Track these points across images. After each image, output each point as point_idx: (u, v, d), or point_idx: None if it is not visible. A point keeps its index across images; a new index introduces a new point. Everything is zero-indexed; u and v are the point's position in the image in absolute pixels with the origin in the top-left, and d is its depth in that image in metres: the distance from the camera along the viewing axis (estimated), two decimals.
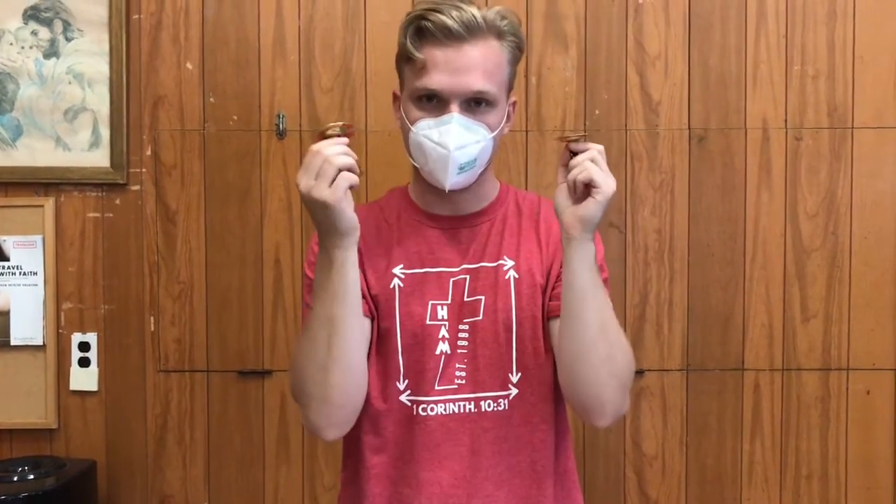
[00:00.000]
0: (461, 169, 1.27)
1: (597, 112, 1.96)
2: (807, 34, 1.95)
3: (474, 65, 1.26)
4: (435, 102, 1.28)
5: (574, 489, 1.38)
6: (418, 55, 1.26)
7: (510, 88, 1.35)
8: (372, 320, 1.32)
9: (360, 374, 1.26)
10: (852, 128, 1.96)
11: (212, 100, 1.98)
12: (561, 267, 1.27)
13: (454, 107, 1.26)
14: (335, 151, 1.14)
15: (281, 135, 1.97)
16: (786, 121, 1.96)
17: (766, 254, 1.97)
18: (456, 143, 1.25)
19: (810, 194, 1.97)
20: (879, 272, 1.97)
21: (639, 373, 1.95)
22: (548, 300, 1.33)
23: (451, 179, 1.28)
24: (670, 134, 1.96)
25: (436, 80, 1.26)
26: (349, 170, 1.15)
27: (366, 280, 1.32)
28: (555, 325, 1.31)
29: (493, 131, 1.29)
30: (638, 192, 1.97)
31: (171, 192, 1.98)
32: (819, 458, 1.98)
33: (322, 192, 1.13)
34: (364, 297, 1.29)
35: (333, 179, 1.13)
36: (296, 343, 1.31)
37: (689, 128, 1.96)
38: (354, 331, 1.23)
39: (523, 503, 1.30)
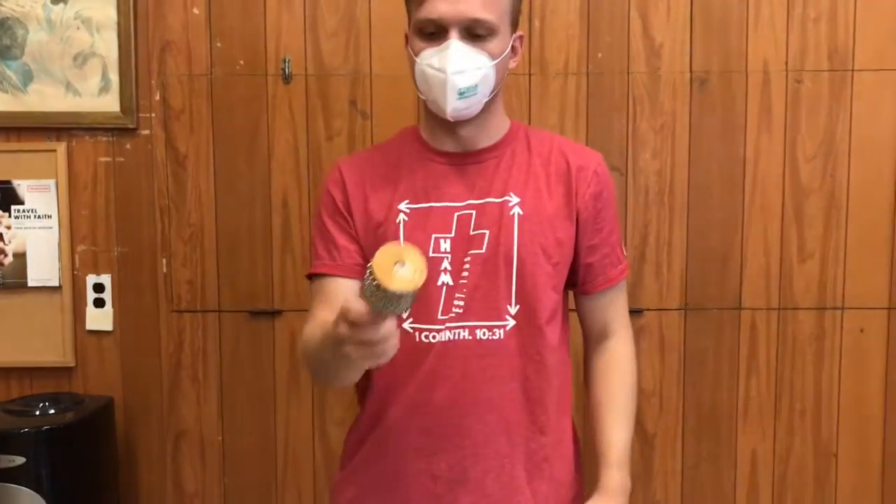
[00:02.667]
0: (461, 94, 1.31)
1: (599, 55, 1.98)
2: None
3: None
4: (437, 33, 1.32)
5: (564, 418, 1.44)
6: None
7: (515, 23, 1.38)
8: None
9: (359, 375, 1.30)
10: (853, 70, 1.98)
11: (218, 45, 2.00)
12: (588, 236, 1.41)
13: (453, 33, 1.30)
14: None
15: (287, 79, 2.00)
16: (786, 63, 1.98)
17: (765, 195, 2.00)
18: (454, 68, 1.29)
19: (809, 137, 1.99)
20: (876, 214, 2.00)
21: (638, 312, 2.01)
22: (579, 274, 1.44)
23: (452, 104, 1.32)
24: (672, 77, 1.98)
25: (435, 9, 1.30)
26: None
27: (370, 219, 1.36)
28: (583, 301, 1.47)
29: (493, 59, 1.33)
30: (639, 135, 1.99)
31: (180, 137, 2.02)
32: (812, 394, 2.04)
33: (374, 363, 1.10)
34: (357, 263, 1.35)
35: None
36: (311, 325, 1.34)
37: (690, 71, 1.98)
38: (354, 372, 1.26)
39: (513, 427, 1.36)
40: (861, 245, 2.01)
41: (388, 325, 1.05)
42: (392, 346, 1.07)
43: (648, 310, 2.02)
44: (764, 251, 2.01)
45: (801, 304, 2.02)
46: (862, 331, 2.03)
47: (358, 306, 1.03)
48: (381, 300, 1.01)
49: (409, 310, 1.07)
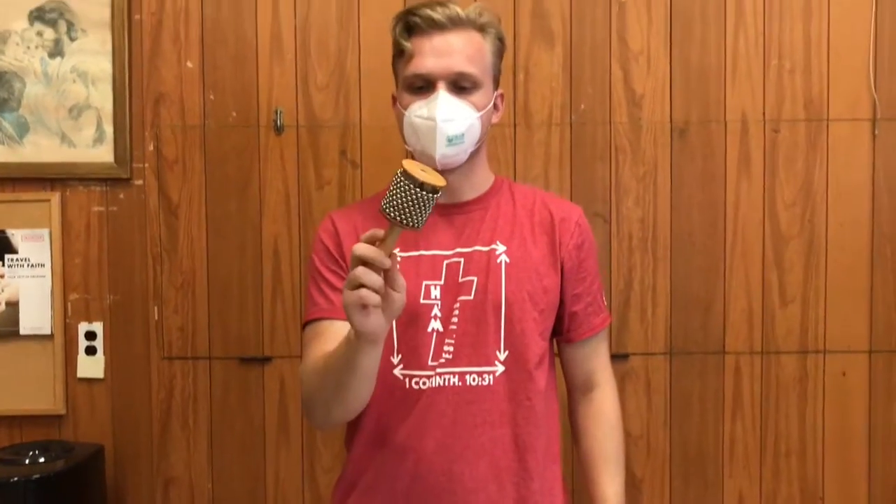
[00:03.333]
0: (450, 141, 1.37)
1: (582, 106, 2.04)
2: (783, 30, 2.03)
3: (457, 49, 1.39)
4: (425, 88, 1.39)
5: (554, 465, 1.46)
6: (407, 45, 1.40)
7: (496, 80, 1.46)
8: None
9: (361, 407, 1.35)
10: (828, 120, 2.04)
11: (212, 97, 2.05)
12: (572, 284, 1.45)
13: (441, 86, 1.38)
14: (402, 288, 1.15)
15: (279, 130, 2.04)
16: (764, 113, 2.04)
17: (746, 241, 2.05)
18: (443, 115, 1.36)
19: (788, 184, 2.05)
20: (854, 259, 2.05)
21: (623, 356, 2.04)
22: (564, 323, 1.48)
23: (441, 150, 1.37)
24: (653, 127, 2.04)
25: (423, 64, 1.38)
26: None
27: None
28: (567, 350, 1.51)
29: (478, 111, 1.40)
30: (622, 183, 2.04)
31: (172, 186, 2.05)
32: (797, 437, 2.06)
33: (380, 322, 1.15)
34: None
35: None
36: (311, 354, 1.37)
37: (670, 121, 2.04)
38: (362, 392, 1.30)
39: (503, 474, 1.38)
40: (841, 289, 2.05)
41: (397, 272, 1.12)
42: (400, 296, 1.13)
43: (634, 354, 2.05)
44: (746, 296, 2.05)
45: (784, 348, 2.05)
46: (844, 374, 2.06)
47: (376, 231, 1.12)
48: (407, 198, 1.10)
49: (423, 223, 1.12)
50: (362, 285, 1.11)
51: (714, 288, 2.05)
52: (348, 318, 1.15)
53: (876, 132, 2.03)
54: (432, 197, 1.11)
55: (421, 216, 1.11)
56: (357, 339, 1.18)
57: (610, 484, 1.46)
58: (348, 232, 1.44)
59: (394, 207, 1.11)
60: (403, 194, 1.10)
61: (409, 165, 1.12)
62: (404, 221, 1.11)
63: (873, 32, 2.02)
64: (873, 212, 2.04)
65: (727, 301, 2.05)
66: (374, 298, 1.11)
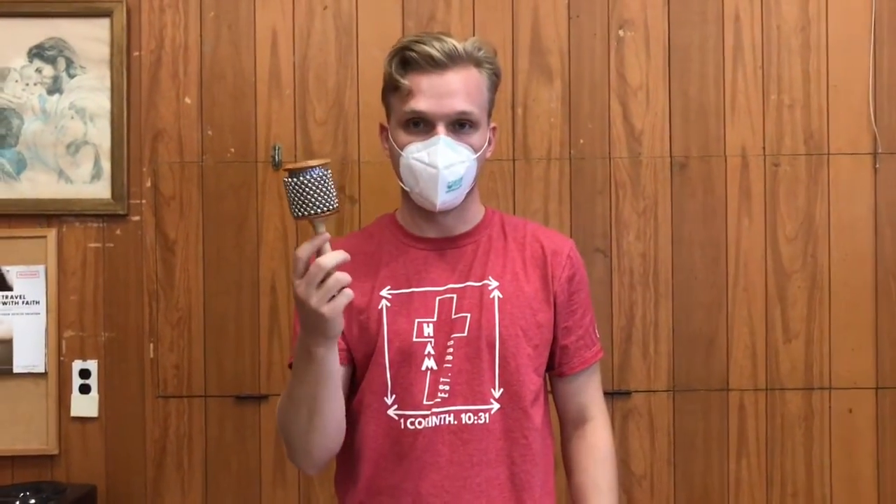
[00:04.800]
0: (450, 187, 1.35)
1: (581, 141, 2.04)
2: (782, 65, 2.03)
3: (457, 88, 1.36)
4: (422, 126, 1.37)
5: (549, 499, 1.43)
6: (404, 82, 1.36)
7: (490, 114, 1.45)
8: (362, 354, 1.41)
9: (339, 433, 1.35)
10: (828, 154, 2.03)
11: (209, 133, 2.05)
12: (563, 317, 1.43)
13: (440, 128, 1.35)
14: (336, 265, 1.17)
15: (277, 166, 2.04)
16: (764, 148, 2.03)
17: (748, 276, 2.03)
18: (444, 162, 1.34)
19: (789, 218, 2.03)
20: (858, 293, 2.03)
21: (626, 394, 2.01)
22: (556, 357, 1.46)
23: (441, 197, 1.35)
24: (652, 162, 2.03)
25: (422, 103, 1.35)
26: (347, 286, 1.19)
27: (352, 306, 1.38)
28: (558, 383, 1.48)
29: (476, 152, 1.38)
30: (622, 218, 2.03)
31: (169, 223, 2.04)
32: (804, 476, 2.02)
33: (322, 306, 1.17)
34: (341, 349, 1.37)
35: (334, 296, 1.18)
36: (283, 392, 1.38)
37: (670, 156, 2.03)
38: (333, 408, 1.31)
39: None
40: (845, 325, 2.02)
41: (329, 254, 1.17)
42: (341, 279, 1.17)
43: (637, 391, 2.02)
44: (749, 332, 2.02)
45: (788, 385, 2.02)
46: (851, 411, 2.03)
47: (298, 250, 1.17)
48: (299, 189, 1.18)
49: (330, 205, 1.19)
50: (322, 281, 1.16)
51: (716, 323, 2.02)
52: (314, 320, 1.17)
53: (877, 166, 2.02)
54: (322, 175, 1.18)
55: (323, 198, 1.18)
56: (325, 337, 1.20)
57: None
58: None
59: (298, 207, 1.19)
60: (295, 191, 1.18)
61: (289, 168, 1.20)
62: (315, 211, 1.18)
63: (872, 66, 2.02)
64: (876, 246, 2.02)
65: (730, 337, 2.03)
66: (336, 282, 1.16)
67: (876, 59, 2.03)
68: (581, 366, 1.46)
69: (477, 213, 1.48)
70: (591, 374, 1.49)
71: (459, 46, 1.37)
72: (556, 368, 1.47)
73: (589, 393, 1.48)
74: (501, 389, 1.36)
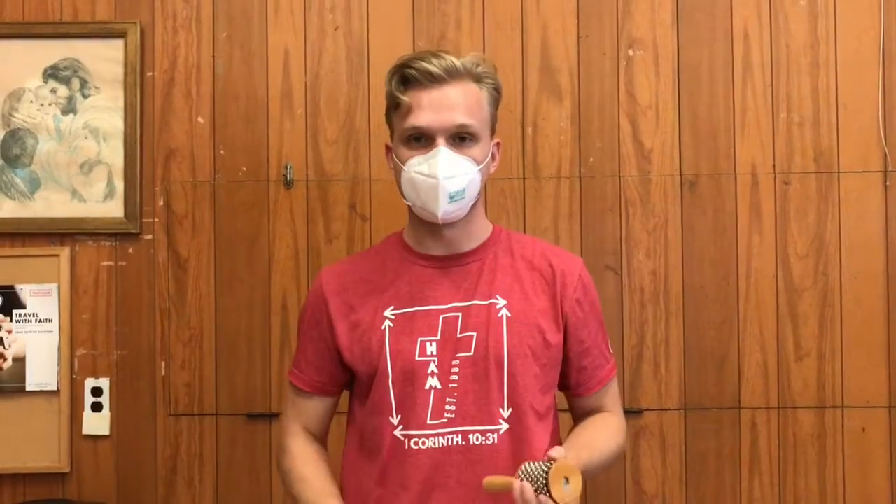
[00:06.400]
0: (451, 198, 1.35)
1: (591, 159, 2.04)
2: (791, 83, 2.04)
3: (456, 102, 1.37)
4: (423, 141, 1.38)
5: None
6: (404, 99, 1.38)
7: (493, 129, 1.45)
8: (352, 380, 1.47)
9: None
10: (838, 172, 2.03)
11: (222, 152, 2.06)
12: (577, 340, 1.44)
13: (441, 141, 1.36)
14: None
15: (288, 185, 2.05)
16: (774, 166, 2.03)
17: (759, 294, 2.02)
18: (444, 173, 1.34)
19: (800, 236, 2.03)
20: (870, 311, 2.02)
21: (637, 412, 2.00)
22: (571, 378, 1.47)
23: (443, 208, 1.36)
24: (662, 180, 2.03)
25: (422, 118, 1.36)
26: None
27: (355, 326, 1.41)
28: (576, 401, 1.49)
29: (478, 165, 1.38)
30: (633, 236, 2.03)
31: (182, 241, 2.05)
32: (817, 494, 2.01)
33: None
34: (320, 381, 1.45)
35: None
36: (285, 428, 1.51)
37: (680, 174, 2.04)
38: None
39: None
40: (857, 343, 2.01)
41: None
42: None
43: (648, 410, 2.02)
44: (761, 350, 2.02)
45: (801, 403, 2.01)
46: (864, 430, 2.01)
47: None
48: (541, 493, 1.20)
49: None
50: None
51: (728, 341, 2.02)
52: None
53: (887, 183, 2.02)
54: None
55: None
56: None
57: (601, 441, 1.41)
58: (336, 292, 1.44)
59: (534, 484, 1.21)
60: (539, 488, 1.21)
61: (554, 474, 1.19)
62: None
63: (881, 84, 2.03)
64: (887, 263, 2.02)
65: (741, 354, 2.02)
66: None
67: (885, 77, 2.03)
68: (598, 386, 1.47)
69: (483, 229, 1.47)
70: (608, 388, 1.49)
71: (458, 62, 1.38)
72: (573, 389, 1.47)
73: (607, 405, 1.50)
74: (510, 409, 1.35)
